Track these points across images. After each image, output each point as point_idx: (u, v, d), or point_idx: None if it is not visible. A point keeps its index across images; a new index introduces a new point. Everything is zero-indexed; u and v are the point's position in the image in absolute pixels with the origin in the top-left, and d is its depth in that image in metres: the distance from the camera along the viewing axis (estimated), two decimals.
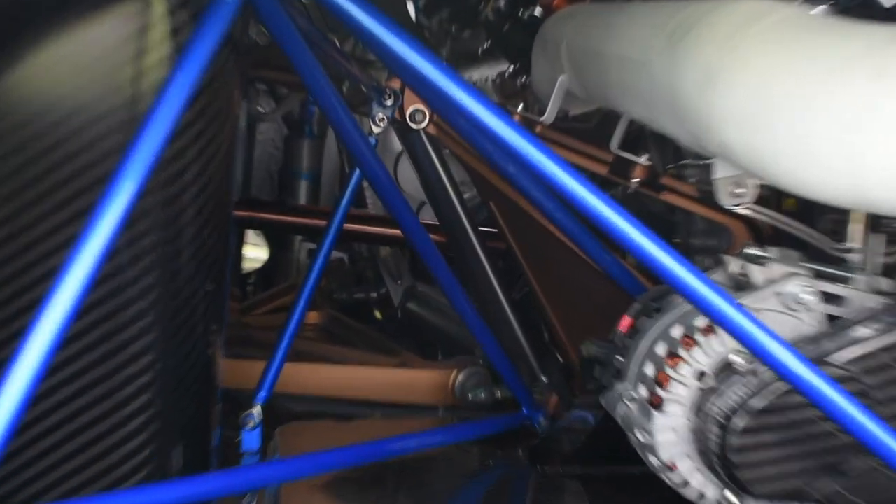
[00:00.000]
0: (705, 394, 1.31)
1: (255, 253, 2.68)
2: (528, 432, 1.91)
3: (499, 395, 2.05)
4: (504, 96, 2.54)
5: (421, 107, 1.81)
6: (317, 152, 2.93)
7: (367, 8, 1.15)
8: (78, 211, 1.14)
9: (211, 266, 1.31)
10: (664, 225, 2.03)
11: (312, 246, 2.84)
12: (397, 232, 2.44)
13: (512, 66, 2.33)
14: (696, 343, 1.32)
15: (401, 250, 2.61)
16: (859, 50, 1.02)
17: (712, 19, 1.19)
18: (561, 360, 2.02)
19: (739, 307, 1.22)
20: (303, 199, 2.87)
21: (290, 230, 2.56)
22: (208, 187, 1.25)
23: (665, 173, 1.81)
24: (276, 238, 2.89)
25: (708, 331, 1.31)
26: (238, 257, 2.36)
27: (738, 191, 1.35)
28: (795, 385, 1.21)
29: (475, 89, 1.22)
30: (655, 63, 1.26)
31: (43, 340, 1.00)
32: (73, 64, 1.14)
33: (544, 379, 1.98)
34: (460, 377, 2.06)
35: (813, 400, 1.21)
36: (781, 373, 1.21)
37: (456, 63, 2.52)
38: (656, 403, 1.34)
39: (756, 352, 1.22)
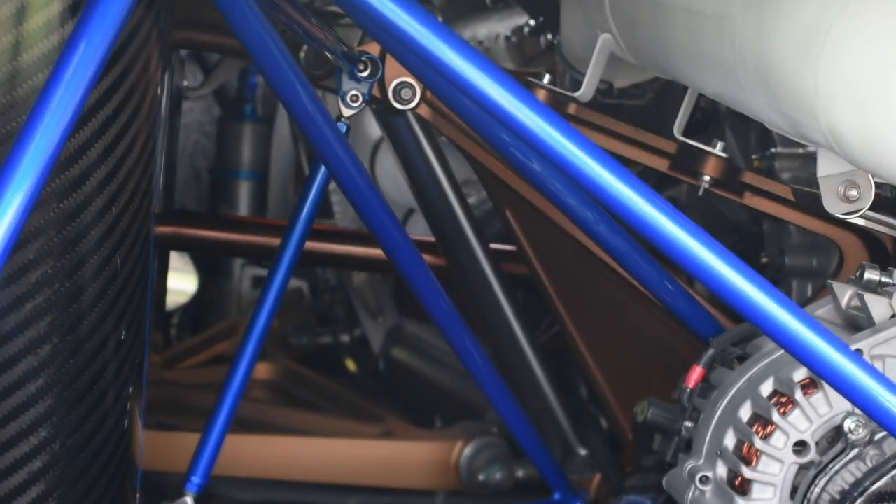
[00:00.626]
0: (807, 472, 1.33)
1: (179, 283, 2.70)
2: None
3: (521, 474, 2.08)
4: (522, 61, 2.56)
5: (409, 80, 1.82)
6: (262, 141, 2.95)
7: None
8: None
9: (126, 306, 1.31)
10: (748, 240, 2.05)
11: (259, 271, 2.86)
12: (378, 252, 2.45)
13: (533, 20, 2.35)
14: (793, 403, 1.33)
15: (382, 277, 2.62)
16: None
17: None
18: (605, 425, 2.04)
19: (854, 355, 1.24)
20: (244, 206, 2.89)
21: (229, 251, 2.57)
22: (120, 197, 1.25)
23: (748, 168, 1.83)
24: (208, 262, 2.91)
25: (810, 386, 1.33)
26: (160, 291, 2.36)
27: (852, 193, 1.36)
28: None
29: (483, 56, 1.22)
30: (739, 20, 1.28)
31: None
32: None
33: (583, 452, 2.00)
34: (467, 451, 2.09)
35: None
36: None
37: (455, 15, 2.54)
38: (740, 486, 1.35)
39: (876, 414, 1.24)
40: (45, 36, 1.19)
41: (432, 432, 2.22)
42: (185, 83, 2.84)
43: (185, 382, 2.39)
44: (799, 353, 1.25)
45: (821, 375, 1.26)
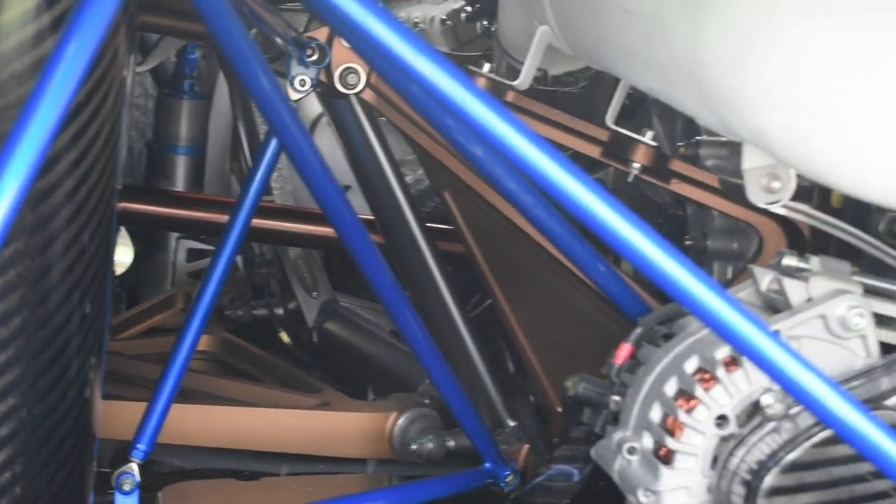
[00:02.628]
0: (727, 444, 1.39)
1: (116, 255, 2.71)
2: (492, 494, 1.98)
3: (452, 444, 2.11)
4: (457, 45, 2.58)
5: (355, 65, 1.86)
6: (200, 118, 2.97)
7: None
8: None
9: (91, 281, 1.34)
10: (672, 222, 2.11)
11: (194, 244, 2.86)
12: (316, 229, 2.48)
13: (470, 7, 2.38)
14: (715, 379, 1.40)
15: (316, 252, 2.66)
16: None
17: None
18: (535, 398, 2.08)
19: (773, 334, 1.31)
20: (181, 181, 2.90)
21: (178, 227, 2.59)
22: (89, 177, 1.29)
23: (675, 156, 1.90)
24: (143, 234, 2.92)
25: (731, 364, 1.39)
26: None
27: (774, 185, 1.43)
28: (842, 433, 1.30)
29: (428, 45, 1.27)
30: (672, 21, 1.32)
31: None
32: None
33: (512, 423, 2.05)
34: (401, 421, 2.12)
35: (864, 452, 1.30)
36: (824, 418, 1.30)
37: None
38: (665, 456, 1.42)
39: (792, 391, 1.31)
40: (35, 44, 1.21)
41: (367, 403, 2.24)
42: None
43: (125, 353, 2.40)
44: (722, 332, 1.31)
45: (742, 353, 1.33)
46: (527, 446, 2.02)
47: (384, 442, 2.13)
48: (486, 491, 1.99)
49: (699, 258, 1.99)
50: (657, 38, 1.37)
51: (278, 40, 1.84)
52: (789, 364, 1.30)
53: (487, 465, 1.98)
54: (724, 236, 1.98)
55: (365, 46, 1.31)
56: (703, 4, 1.27)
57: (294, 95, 1.78)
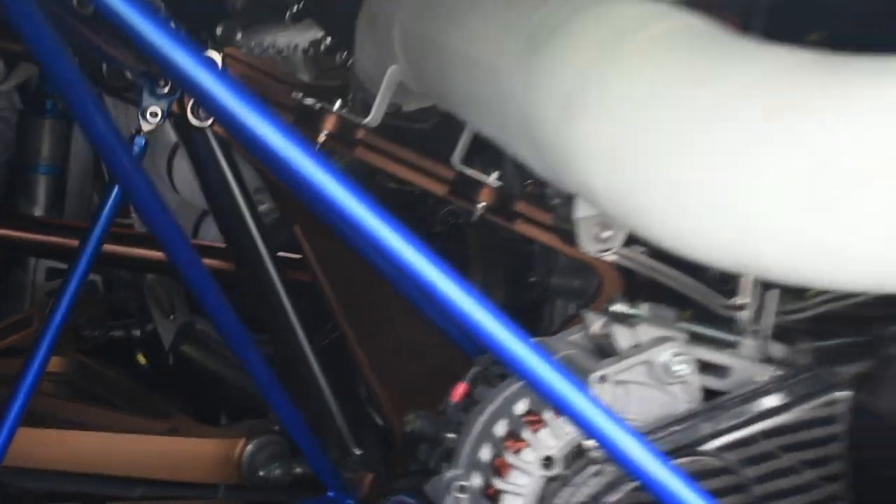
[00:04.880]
0: (553, 484, 1.41)
1: None
2: None
3: (299, 471, 2.11)
4: (318, 72, 2.58)
5: None
6: (61, 137, 2.92)
7: None
8: None
9: None
10: (519, 258, 2.12)
11: (54, 263, 2.82)
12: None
13: (329, 37, 2.38)
14: (543, 422, 1.42)
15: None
16: (755, 79, 1.09)
17: (582, 23, 1.27)
18: (382, 425, 2.08)
19: (581, 387, 1.30)
20: (42, 200, 2.85)
21: (27, 251, 2.55)
22: None
23: (521, 195, 1.92)
24: (3, 253, 2.86)
25: None
26: None
27: (605, 234, 1.46)
28: (645, 483, 1.30)
29: (260, 102, 1.26)
30: (508, 73, 1.34)
31: None
32: None
33: (358, 452, 2.06)
34: (249, 448, 2.11)
35: (664, 500, 1.30)
36: (628, 467, 1.31)
37: (256, 22, 2.55)
38: (492, 496, 1.43)
39: (598, 439, 1.30)
40: None
41: (216, 429, 2.24)
42: None
43: None
44: (529, 380, 1.30)
45: (547, 400, 1.34)
46: (371, 475, 2.03)
47: (233, 467, 2.11)
48: None
49: (543, 295, 2.01)
50: (495, 86, 1.38)
51: (128, 72, 1.82)
52: (593, 414, 1.29)
53: (331, 493, 1.99)
54: (567, 275, 2.00)
55: (195, 90, 1.30)
56: (535, 60, 1.28)
57: (145, 127, 1.77)
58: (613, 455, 1.30)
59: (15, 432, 1.77)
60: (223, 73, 1.26)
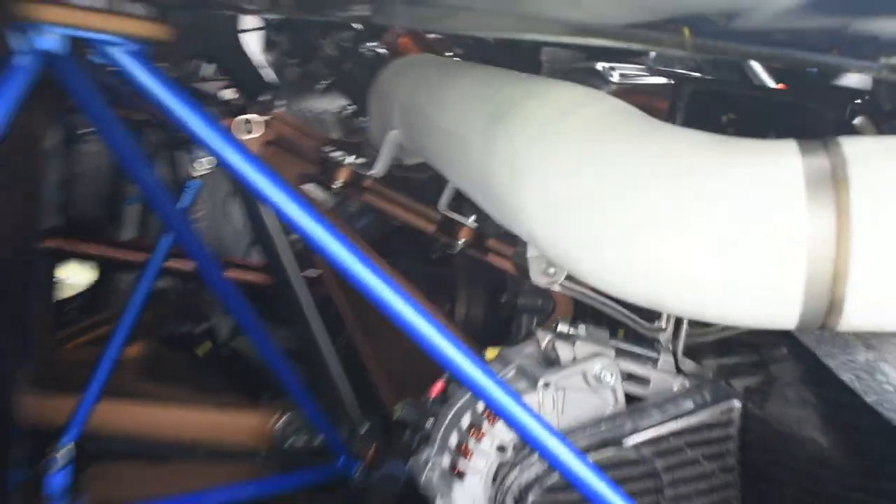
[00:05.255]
0: (505, 467, 1.37)
1: (76, 277, 2.62)
2: (343, 482, 1.96)
3: (317, 441, 2.06)
4: (346, 131, 2.58)
5: None
6: None
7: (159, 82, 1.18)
8: None
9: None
10: (495, 281, 2.09)
11: None
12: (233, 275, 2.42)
13: (350, 106, 2.37)
14: (498, 417, 1.36)
15: None
16: (659, 153, 1.06)
17: (529, 106, 1.23)
18: (381, 409, 2.05)
19: (515, 395, 1.29)
20: (131, 225, 2.81)
21: (105, 264, 2.50)
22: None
23: (491, 236, 1.87)
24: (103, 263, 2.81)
25: None
26: (48, 286, 2.31)
27: (551, 270, 1.41)
28: (560, 472, 1.28)
29: (263, 164, 1.24)
30: (473, 142, 1.30)
31: None
32: None
33: (363, 429, 2.02)
34: (280, 422, 2.06)
35: (576, 486, 1.28)
36: (546, 457, 1.28)
37: (297, 93, 2.55)
38: (458, 474, 1.39)
39: (524, 436, 1.29)
40: None
41: (258, 406, 2.19)
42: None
43: (73, 358, 2.31)
44: (470, 387, 1.30)
45: (485, 404, 1.33)
46: (375, 445, 1.99)
47: (267, 436, 2.07)
48: (340, 479, 1.97)
49: (512, 312, 1.97)
50: (464, 153, 1.34)
51: None
52: (521, 415, 1.28)
53: (342, 459, 1.97)
54: (531, 295, 1.96)
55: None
56: (492, 134, 1.25)
57: (196, 173, 1.74)
58: (538, 451, 1.28)
59: (96, 404, 1.74)
60: (244, 149, 1.22)
